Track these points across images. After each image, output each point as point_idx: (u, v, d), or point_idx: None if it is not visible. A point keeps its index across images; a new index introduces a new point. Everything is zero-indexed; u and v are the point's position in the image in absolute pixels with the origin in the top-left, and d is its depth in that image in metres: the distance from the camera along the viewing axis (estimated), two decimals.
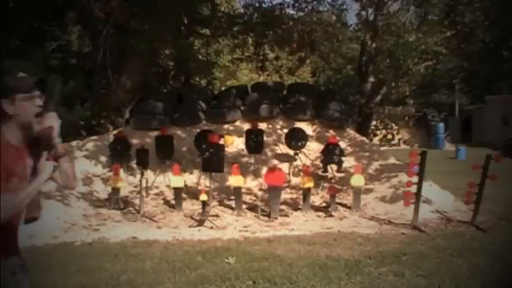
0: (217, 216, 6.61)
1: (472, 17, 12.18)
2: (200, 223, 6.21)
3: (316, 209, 7.17)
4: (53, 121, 2.04)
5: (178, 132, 9.59)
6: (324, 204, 7.34)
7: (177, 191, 7.08)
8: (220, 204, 7.40)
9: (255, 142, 8.72)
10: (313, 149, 9.28)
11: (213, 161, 6.48)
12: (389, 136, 22.48)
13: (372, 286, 3.85)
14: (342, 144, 9.00)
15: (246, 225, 6.23)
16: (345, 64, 28.18)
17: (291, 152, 8.78)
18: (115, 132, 9.36)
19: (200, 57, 15.64)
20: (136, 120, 9.84)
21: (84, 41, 14.03)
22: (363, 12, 14.15)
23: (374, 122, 18.93)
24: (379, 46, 13.18)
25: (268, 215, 6.67)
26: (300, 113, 10.08)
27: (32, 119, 1.99)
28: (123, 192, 7.47)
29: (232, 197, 7.30)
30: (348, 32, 17.16)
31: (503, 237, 5.39)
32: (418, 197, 5.91)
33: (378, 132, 20.85)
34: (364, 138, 10.30)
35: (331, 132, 9.65)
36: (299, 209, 7.12)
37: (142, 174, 6.92)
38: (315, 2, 13.33)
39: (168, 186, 8.01)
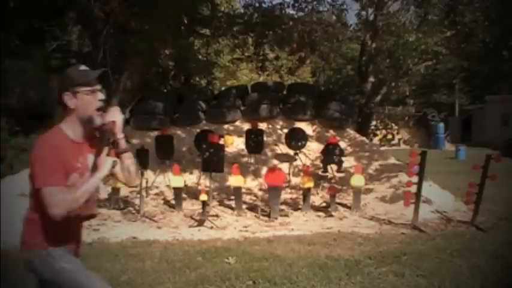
0: (217, 216, 6.61)
1: (472, 17, 12.16)
2: (200, 223, 6.21)
3: (316, 209, 7.17)
4: (116, 115, 1.97)
5: (178, 132, 9.59)
6: (324, 204, 7.34)
7: (177, 191, 7.08)
8: (220, 204, 7.40)
9: (255, 142, 8.72)
10: (313, 149, 9.28)
11: (213, 161, 6.48)
12: (389, 136, 22.48)
13: (372, 286, 3.85)
14: (342, 144, 9.00)
15: (246, 225, 6.23)
16: (345, 64, 28.17)
17: (291, 152, 8.78)
18: None
19: (200, 57, 15.64)
20: (136, 120, 9.84)
21: (84, 41, 14.02)
22: (363, 12, 14.13)
23: (374, 122, 18.92)
24: (379, 46, 13.16)
25: (268, 215, 6.67)
26: (300, 113, 10.08)
27: (93, 114, 1.93)
28: (123, 192, 7.46)
29: (232, 197, 7.30)
30: (348, 32, 17.14)
31: (503, 237, 5.39)
32: (418, 197, 5.91)
33: (378, 132, 20.85)
34: (364, 138, 10.30)
35: (331, 132, 9.65)
36: (299, 209, 7.12)
37: (142, 174, 6.93)
38: (315, 2, 13.32)
39: (168, 186, 8.00)
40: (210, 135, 7.85)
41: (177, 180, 7.03)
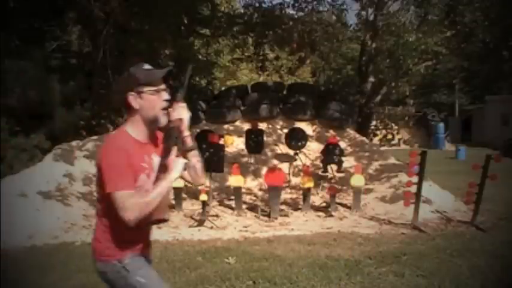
0: (217, 216, 6.61)
1: (472, 17, 12.17)
2: (200, 223, 6.21)
3: (316, 209, 7.17)
4: (182, 112, 1.93)
5: None
6: (324, 204, 7.34)
7: (177, 191, 7.07)
8: (220, 204, 7.40)
9: (255, 142, 8.71)
10: (313, 149, 9.28)
11: (213, 161, 6.47)
12: (389, 136, 22.51)
13: (372, 286, 3.85)
14: (342, 144, 9.00)
15: (246, 225, 6.23)
16: (345, 64, 28.19)
17: (291, 152, 8.77)
18: None
19: (200, 57, 15.66)
20: None
21: (84, 41, 14.03)
22: (363, 12, 14.14)
23: (374, 122, 18.96)
24: (379, 46, 13.18)
25: (268, 215, 6.67)
26: (300, 113, 10.08)
27: (159, 114, 1.88)
28: None
29: (232, 197, 7.30)
30: (348, 32, 17.16)
31: (503, 237, 5.39)
32: (418, 197, 5.90)
33: (378, 132, 20.88)
34: (364, 138, 10.29)
35: (331, 132, 9.66)
36: (299, 209, 7.12)
37: None
38: (315, 2, 13.35)
39: None
40: (210, 135, 7.85)
41: (177, 180, 7.01)
